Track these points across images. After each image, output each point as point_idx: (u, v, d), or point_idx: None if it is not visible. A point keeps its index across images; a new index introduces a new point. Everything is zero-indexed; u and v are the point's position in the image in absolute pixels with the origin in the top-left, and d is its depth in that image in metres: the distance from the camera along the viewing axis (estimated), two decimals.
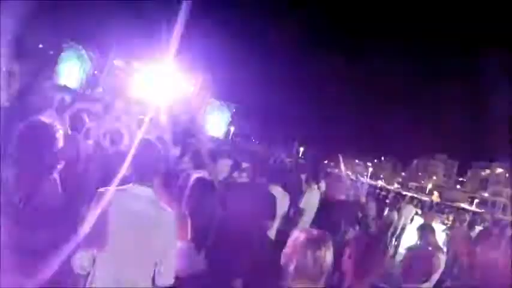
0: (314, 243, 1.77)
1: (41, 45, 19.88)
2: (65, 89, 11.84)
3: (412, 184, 72.46)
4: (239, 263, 3.09)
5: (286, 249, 1.84)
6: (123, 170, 2.00)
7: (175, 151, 5.95)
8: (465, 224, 8.35)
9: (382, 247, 2.16)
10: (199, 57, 21.08)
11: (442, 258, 3.59)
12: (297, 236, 1.83)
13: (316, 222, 4.94)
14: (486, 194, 59.89)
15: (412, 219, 10.09)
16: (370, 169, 78.81)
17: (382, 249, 2.15)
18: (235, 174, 4.66)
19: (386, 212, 9.09)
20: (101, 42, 19.62)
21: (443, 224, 12.85)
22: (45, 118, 2.20)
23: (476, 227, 8.40)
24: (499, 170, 60.95)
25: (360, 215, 5.61)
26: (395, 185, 66.68)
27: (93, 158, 3.82)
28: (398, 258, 7.83)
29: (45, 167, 2.09)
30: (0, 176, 1.93)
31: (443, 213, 19.66)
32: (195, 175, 3.74)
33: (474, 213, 27.20)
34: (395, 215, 9.16)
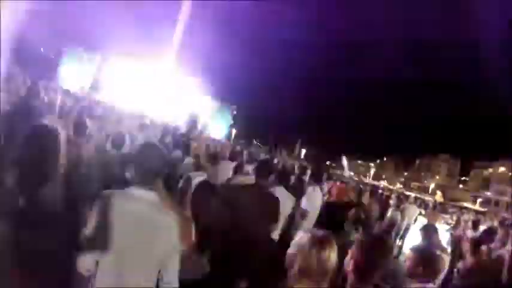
0: (318, 244, 1.77)
1: (42, 49, 19.94)
2: (67, 92, 11.85)
3: (415, 184, 72.28)
4: (243, 266, 3.08)
5: (290, 250, 1.84)
6: (125, 173, 2.00)
7: (177, 153, 5.96)
8: (469, 224, 8.31)
9: (385, 248, 2.15)
10: (200, 58, 21.10)
11: (446, 259, 3.57)
12: (301, 236, 1.83)
13: (320, 223, 4.94)
14: (489, 193, 59.72)
15: (415, 220, 10.05)
16: (373, 169, 78.77)
17: (385, 250, 2.14)
18: (238, 176, 4.65)
19: (389, 213, 9.06)
20: (102, 45, 19.66)
21: (447, 223, 12.78)
22: (47, 122, 2.20)
23: (480, 226, 8.36)
24: (502, 169, 60.86)
25: (363, 215, 5.59)
26: (398, 185, 66.46)
27: (95, 161, 3.82)
28: (402, 258, 7.81)
29: (47, 171, 2.09)
30: (3, 179, 1.93)
31: (446, 213, 19.58)
32: (198, 178, 3.75)
33: (477, 212, 27.17)
34: (398, 215, 9.13)
